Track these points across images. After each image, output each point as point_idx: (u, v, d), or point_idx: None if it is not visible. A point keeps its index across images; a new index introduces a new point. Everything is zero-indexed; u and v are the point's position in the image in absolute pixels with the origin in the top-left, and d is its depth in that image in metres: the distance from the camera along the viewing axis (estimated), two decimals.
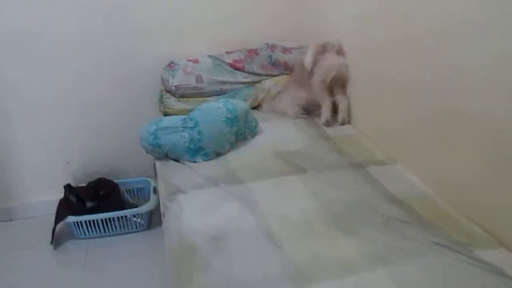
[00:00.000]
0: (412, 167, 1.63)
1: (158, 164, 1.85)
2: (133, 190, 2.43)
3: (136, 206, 2.26)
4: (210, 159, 1.78)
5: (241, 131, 1.87)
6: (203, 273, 1.18)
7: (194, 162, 1.76)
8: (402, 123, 1.68)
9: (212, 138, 1.74)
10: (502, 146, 1.23)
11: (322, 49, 2.03)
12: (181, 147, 1.74)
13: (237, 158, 1.77)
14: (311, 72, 2.06)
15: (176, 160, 1.80)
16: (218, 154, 1.80)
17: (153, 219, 2.27)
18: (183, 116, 1.82)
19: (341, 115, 2.02)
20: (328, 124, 2.02)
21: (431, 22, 1.45)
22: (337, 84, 2.03)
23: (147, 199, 2.30)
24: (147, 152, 1.86)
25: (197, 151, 1.75)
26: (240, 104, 1.86)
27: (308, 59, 2.03)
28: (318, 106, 2.08)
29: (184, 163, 1.77)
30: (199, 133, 1.73)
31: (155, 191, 2.26)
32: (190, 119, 1.76)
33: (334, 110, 2.05)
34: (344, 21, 2.03)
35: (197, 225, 1.36)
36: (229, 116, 1.78)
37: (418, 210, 1.39)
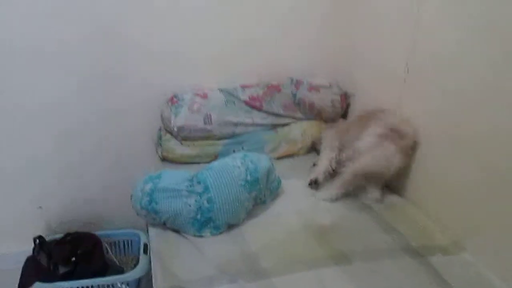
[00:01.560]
0: (487, 259, 1.26)
1: (152, 232, 1.44)
2: (119, 244, 2.00)
3: (122, 269, 1.84)
4: (221, 233, 1.37)
5: (260, 195, 1.46)
6: None
7: (200, 236, 1.35)
8: (474, 194, 1.30)
9: (225, 207, 1.33)
10: None
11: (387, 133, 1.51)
12: (184, 217, 1.33)
13: (256, 234, 1.36)
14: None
15: (177, 231, 1.39)
16: (231, 225, 1.39)
17: (142, 285, 1.84)
18: (189, 174, 1.41)
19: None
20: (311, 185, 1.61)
21: None
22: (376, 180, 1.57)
23: (136, 257, 1.89)
24: (138, 215, 1.44)
25: (205, 223, 1.34)
26: (262, 162, 1.44)
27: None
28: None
29: (187, 238, 1.35)
30: (209, 201, 1.32)
31: (146, 249, 1.84)
32: (199, 182, 1.35)
33: None
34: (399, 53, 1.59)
35: None
36: (248, 178, 1.37)
37: None
